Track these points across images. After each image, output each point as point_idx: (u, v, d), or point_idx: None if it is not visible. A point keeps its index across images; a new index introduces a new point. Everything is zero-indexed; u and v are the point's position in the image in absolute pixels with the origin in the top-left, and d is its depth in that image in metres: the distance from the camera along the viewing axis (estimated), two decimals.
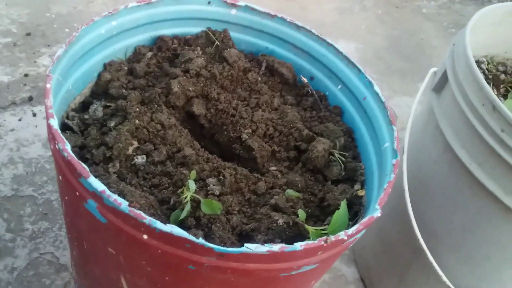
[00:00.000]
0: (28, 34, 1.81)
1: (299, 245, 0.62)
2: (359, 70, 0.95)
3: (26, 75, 1.64)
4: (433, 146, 1.03)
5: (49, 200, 1.34)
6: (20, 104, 1.55)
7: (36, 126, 1.50)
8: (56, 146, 0.67)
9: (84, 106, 0.90)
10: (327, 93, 1.03)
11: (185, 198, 0.72)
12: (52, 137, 0.68)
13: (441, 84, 1.02)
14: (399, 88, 2.14)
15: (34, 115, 1.53)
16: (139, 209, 0.65)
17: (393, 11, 2.65)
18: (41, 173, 1.39)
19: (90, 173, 0.63)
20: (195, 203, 0.73)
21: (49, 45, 1.79)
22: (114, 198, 0.61)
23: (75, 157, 0.64)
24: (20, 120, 1.51)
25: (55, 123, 0.67)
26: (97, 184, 0.62)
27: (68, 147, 0.65)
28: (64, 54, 0.79)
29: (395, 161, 0.78)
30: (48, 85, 0.72)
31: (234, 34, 1.06)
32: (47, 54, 1.75)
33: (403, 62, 2.30)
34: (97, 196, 0.63)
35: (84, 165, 0.63)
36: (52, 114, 0.68)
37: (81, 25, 0.84)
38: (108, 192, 0.62)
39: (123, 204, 0.61)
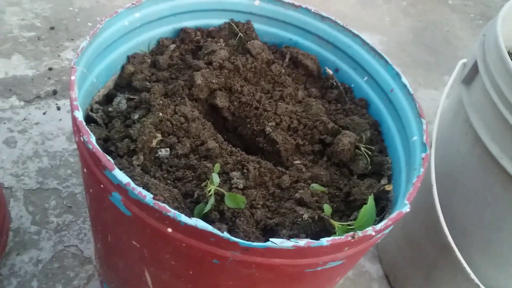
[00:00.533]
0: (52, 28, 1.83)
1: (325, 241, 0.61)
2: (386, 61, 0.93)
3: (50, 68, 1.66)
4: (463, 139, 1.00)
5: (73, 193, 1.35)
6: (45, 97, 1.57)
7: (60, 120, 1.52)
8: (81, 138, 0.66)
9: (108, 98, 0.90)
10: (352, 85, 1.01)
11: (209, 191, 0.71)
12: (77, 129, 0.68)
13: (471, 76, 0.99)
14: (424, 81, 2.10)
15: (58, 108, 1.54)
16: (163, 202, 0.65)
17: (418, 3, 2.60)
18: (65, 166, 1.41)
19: (114, 165, 0.62)
20: (219, 197, 0.72)
21: (72, 39, 1.81)
22: (139, 191, 0.61)
23: (100, 149, 0.64)
24: (44, 113, 1.52)
25: (80, 115, 0.67)
26: (122, 176, 0.62)
27: (93, 139, 0.65)
28: (88, 46, 0.78)
29: (425, 155, 0.76)
30: (72, 77, 0.72)
31: (257, 26, 1.05)
32: (70, 48, 1.77)
33: (428, 55, 2.25)
34: (122, 189, 0.63)
35: (109, 157, 0.63)
36: (77, 106, 0.68)
37: (104, 17, 0.83)
38: (132, 184, 0.61)
39: (147, 197, 0.60)
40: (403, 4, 2.56)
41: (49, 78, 1.63)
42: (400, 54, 2.22)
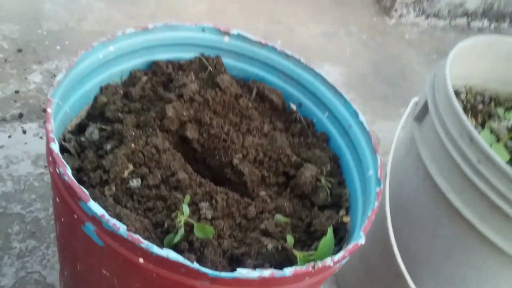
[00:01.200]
0: (20, 50, 1.83)
1: (288, 271, 0.65)
2: (345, 100, 1.00)
3: (16, 91, 1.66)
4: (414, 173, 1.08)
5: (37, 218, 1.34)
6: (10, 121, 1.56)
7: (25, 143, 1.51)
8: (57, 170, 0.69)
9: (80, 128, 0.93)
10: (314, 119, 1.08)
11: (179, 222, 0.75)
12: (52, 161, 0.71)
13: (422, 114, 1.07)
14: (382, 112, 2.21)
15: (24, 132, 1.54)
16: (135, 232, 0.68)
17: (377, 37, 2.74)
18: (29, 191, 1.40)
19: (90, 197, 0.65)
20: (188, 227, 0.76)
21: (40, 62, 1.81)
22: (113, 222, 0.64)
23: (75, 181, 0.67)
24: (9, 137, 1.52)
25: (56, 147, 0.70)
26: (96, 208, 0.65)
27: (69, 171, 0.68)
28: (63, 79, 0.81)
29: (379, 190, 0.82)
30: (49, 110, 0.74)
31: (226, 60, 1.10)
32: (38, 71, 1.77)
33: (386, 87, 2.38)
34: (96, 220, 0.66)
35: (84, 189, 0.66)
36: (53, 138, 0.71)
37: (80, 50, 0.87)
38: (107, 216, 0.64)
39: (121, 228, 0.64)
40: (363, 37, 2.70)
41: (15, 101, 1.63)
42: (360, 85, 2.33)
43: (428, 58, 2.74)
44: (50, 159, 0.73)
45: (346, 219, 0.86)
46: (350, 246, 0.71)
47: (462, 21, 3.16)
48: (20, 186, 1.41)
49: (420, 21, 3.02)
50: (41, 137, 1.55)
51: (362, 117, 0.95)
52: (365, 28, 2.77)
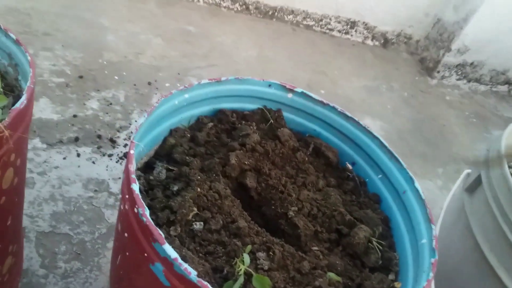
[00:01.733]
0: (81, 77, 1.93)
1: None
2: (401, 165, 1.03)
3: (75, 115, 1.74)
4: (462, 244, 1.09)
5: (83, 241, 1.39)
6: (66, 143, 1.64)
7: (78, 166, 1.58)
8: (135, 210, 0.74)
9: (147, 165, 0.98)
10: (367, 179, 1.11)
11: (239, 270, 0.78)
12: (130, 200, 0.76)
13: (474, 186, 1.09)
14: (420, 171, 2.22)
15: (78, 155, 1.61)
16: (198, 276, 0.72)
17: (418, 95, 2.78)
18: (78, 213, 1.46)
19: (165, 241, 0.69)
20: (246, 276, 0.79)
21: (98, 90, 1.91)
22: (185, 267, 0.68)
23: (153, 224, 0.71)
24: (64, 158, 1.59)
25: (137, 188, 0.75)
26: (170, 251, 0.69)
27: (147, 212, 0.72)
28: (144, 122, 0.87)
29: (434, 260, 0.84)
30: (131, 151, 0.80)
31: (286, 114, 1.15)
32: (96, 98, 1.86)
33: (425, 146, 2.40)
34: (168, 262, 0.69)
35: (160, 232, 0.70)
36: (135, 179, 0.76)
37: (161, 96, 0.93)
38: (180, 260, 0.68)
39: (192, 273, 0.67)
40: (405, 94, 2.74)
41: (72, 124, 1.71)
42: (399, 142, 2.36)
43: (467, 121, 2.76)
44: (127, 196, 0.78)
45: (398, 285, 0.87)
46: None
47: (503, 88, 3.18)
48: (70, 207, 1.47)
49: (462, 84, 3.06)
50: (93, 162, 1.62)
51: (417, 184, 0.98)
52: (407, 86, 2.82)
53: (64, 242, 1.38)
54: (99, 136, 1.70)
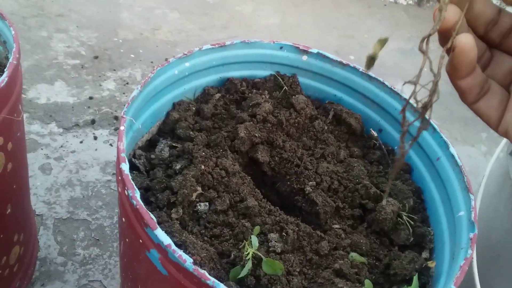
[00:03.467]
0: (96, 57, 1.87)
1: None
2: (434, 129, 0.90)
3: (90, 97, 1.69)
4: (507, 213, 0.96)
5: (102, 226, 1.35)
6: (83, 126, 1.59)
7: (96, 150, 1.53)
8: (125, 192, 0.66)
9: (150, 143, 0.91)
10: (395, 147, 0.99)
11: (247, 254, 0.69)
12: (121, 181, 0.68)
13: None
14: (461, 136, 2.06)
15: (95, 138, 1.56)
16: (200, 262, 0.64)
17: None
18: (96, 198, 1.41)
19: (157, 225, 0.61)
20: (256, 260, 0.70)
21: (114, 70, 1.84)
22: (179, 254, 0.59)
23: (144, 206, 0.63)
24: (81, 142, 1.54)
25: (126, 168, 0.67)
26: (163, 237, 0.61)
27: (137, 194, 0.64)
28: (138, 95, 0.79)
29: (473, 235, 0.72)
30: (121, 127, 0.72)
31: (302, 80, 1.04)
32: (112, 78, 1.80)
33: (466, 109, 2.20)
34: (162, 249, 0.62)
35: (152, 216, 0.62)
36: (124, 158, 0.68)
37: (156, 66, 0.84)
38: (173, 247, 0.60)
39: (187, 261, 0.59)
40: (444, 55, 2.54)
41: (88, 107, 1.66)
42: (438, 106, 2.19)
43: None
44: (119, 178, 0.70)
45: (432, 264, 0.76)
46: None
47: None
48: (88, 192, 1.42)
49: None
50: (111, 144, 1.56)
51: (453, 149, 0.86)
52: None
53: (82, 228, 1.34)
54: (116, 117, 1.65)
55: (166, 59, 1.96)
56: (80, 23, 2.01)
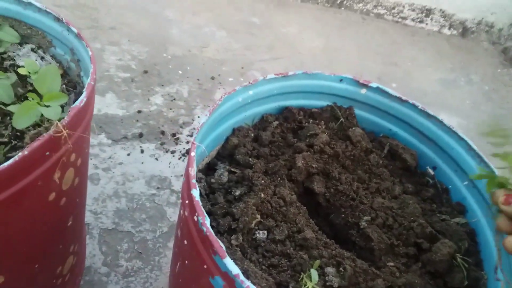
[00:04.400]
0: (146, 71, 1.92)
1: None
2: (493, 171, 0.90)
3: (139, 111, 1.74)
4: None
5: (145, 239, 1.37)
6: (131, 139, 1.64)
7: (142, 163, 1.57)
8: (195, 218, 0.68)
9: (208, 167, 0.93)
10: (450, 186, 0.99)
11: None
12: (190, 206, 0.70)
13: None
14: (503, 173, 2.02)
15: (142, 151, 1.60)
16: None
17: (501, 89, 2.54)
18: (141, 210, 1.44)
19: (226, 254, 0.63)
20: None
21: (162, 85, 1.89)
22: (247, 285, 0.61)
23: (213, 234, 0.65)
24: (128, 154, 1.58)
25: (197, 194, 0.69)
26: (232, 266, 0.62)
27: (207, 221, 0.66)
28: (206, 121, 0.81)
29: None
30: (192, 153, 0.74)
31: (358, 112, 1.05)
32: (160, 93, 1.85)
33: (509, 145, 2.18)
34: (229, 278, 0.63)
35: (221, 244, 0.64)
36: (195, 184, 0.70)
37: (224, 93, 0.87)
38: (242, 277, 0.61)
39: None
40: (485, 88, 2.52)
41: (137, 120, 1.71)
42: (479, 140, 2.16)
43: None
44: (187, 202, 0.72)
45: None
46: None
47: None
48: (133, 204, 1.46)
49: None
50: (156, 158, 1.60)
51: None
52: (488, 78, 2.59)
53: (126, 240, 1.37)
54: (163, 132, 1.69)
55: (212, 77, 2.00)
56: (131, 37, 2.07)
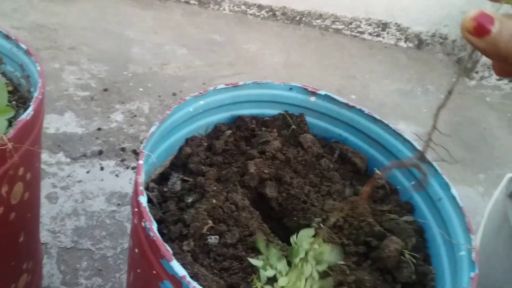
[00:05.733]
0: (105, 89, 1.92)
1: None
2: (436, 170, 0.94)
3: (99, 129, 1.73)
4: (506, 255, 0.98)
5: (105, 256, 1.36)
6: (90, 156, 1.63)
7: (102, 180, 1.56)
8: (142, 223, 0.69)
9: (162, 177, 0.94)
10: (398, 187, 1.02)
11: None
12: (139, 213, 0.71)
13: None
14: (459, 177, 2.09)
15: (102, 168, 1.59)
16: None
17: (456, 98, 2.65)
18: (100, 228, 1.43)
19: (173, 257, 0.64)
20: None
21: (123, 102, 1.89)
22: (194, 285, 0.62)
23: (160, 238, 0.66)
24: (88, 172, 1.57)
25: (144, 200, 0.70)
26: (178, 268, 0.63)
27: (154, 226, 0.67)
28: (156, 131, 0.83)
29: (474, 275, 0.75)
30: (140, 161, 0.75)
31: (309, 119, 1.09)
32: (120, 110, 1.85)
33: (464, 151, 2.26)
34: (176, 280, 0.64)
35: (168, 247, 0.65)
36: (142, 191, 0.71)
37: (174, 103, 0.89)
38: (188, 278, 0.62)
39: None
40: (441, 97, 2.61)
41: (97, 138, 1.70)
42: (436, 147, 2.23)
43: (510, 123, 2.60)
44: (136, 210, 0.73)
45: None
46: None
47: None
48: (92, 222, 1.44)
49: (503, 84, 2.90)
50: (117, 175, 1.59)
51: (454, 191, 0.89)
52: (443, 88, 2.69)
53: (85, 257, 1.35)
54: (123, 149, 1.68)
55: (174, 94, 2.01)
56: (91, 57, 2.07)
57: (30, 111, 0.78)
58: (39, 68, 0.87)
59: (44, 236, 1.36)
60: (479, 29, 0.40)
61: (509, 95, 2.84)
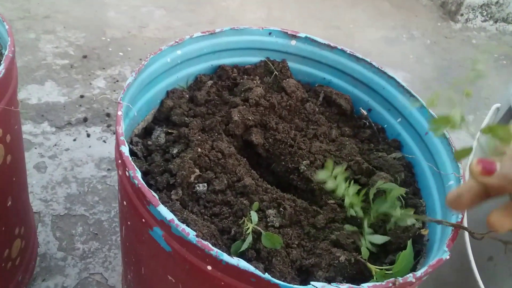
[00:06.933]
0: (85, 56, 1.88)
1: (366, 286, 0.60)
2: (422, 104, 0.93)
3: (81, 96, 1.70)
4: None
5: (99, 220, 1.36)
6: (75, 124, 1.60)
7: (89, 147, 1.54)
8: (126, 173, 0.68)
9: (146, 131, 0.92)
10: (385, 125, 1.02)
11: (247, 229, 0.72)
12: (122, 163, 0.70)
13: (505, 120, 0.99)
14: None
15: (88, 135, 1.57)
16: (202, 238, 0.66)
17: (442, 41, 2.62)
18: (93, 193, 1.42)
19: (159, 202, 0.63)
20: (256, 235, 0.73)
21: (103, 68, 1.85)
22: (182, 228, 0.61)
23: (145, 185, 0.65)
24: (74, 140, 1.55)
25: (126, 150, 0.69)
26: (166, 212, 0.63)
27: (138, 174, 0.66)
28: (133, 82, 0.81)
29: None
30: (119, 112, 0.74)
31: (292, 64, 1.07)
32: (101, 76, 1.82)
33: (452, 93, 2.26)
34: (165, 225, 0.63)
35: (154, 193, 0.64)
36: (123, 141, 0.70)
37: (149, 53, 0.86)
38: (176, 221, 0.62)
39: (191, 234, 0.61)
40: (427, 42, 2.59)
41: (80, 105, 1.67)
42: (425, 91, 2.23)
43: (497, 64, 2.59)
44: (120, 161, 0.72)
45: (425, 231, 0.79)
46: (433, 262, 0.65)
47: None
48: (84, 188, 1.43)
49: (488, 25, 2.87)
50: (104, 141, 1.58)
51: None
52: (429, 33, 2.66)
53: (80, 223, 1.35)
54: (108, 114, 1.66)
55: None
56: (67, 24, 2.02)
57: (1, 69, 0.75)
58: (7, 26, 0.84)
59: (36, 205, 1.36)
60: (486, 169, 0.49)
61: (494, 36, 2.82)
